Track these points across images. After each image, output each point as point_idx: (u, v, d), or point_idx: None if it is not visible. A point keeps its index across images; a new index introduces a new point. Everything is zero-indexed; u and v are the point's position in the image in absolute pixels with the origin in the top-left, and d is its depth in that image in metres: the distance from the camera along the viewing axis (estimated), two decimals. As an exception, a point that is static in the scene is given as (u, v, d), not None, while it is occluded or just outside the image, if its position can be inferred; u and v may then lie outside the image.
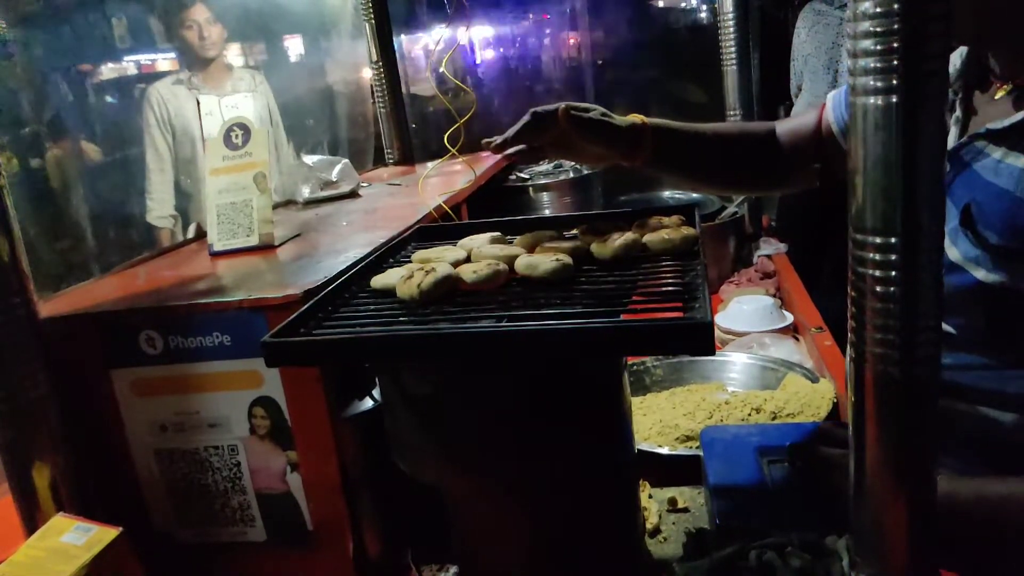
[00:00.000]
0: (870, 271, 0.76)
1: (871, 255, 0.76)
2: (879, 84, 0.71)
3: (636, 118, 1.32)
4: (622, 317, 0.85)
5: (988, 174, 1.00)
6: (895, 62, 0.70)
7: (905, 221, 0.74)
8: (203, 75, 2.96)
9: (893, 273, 0.75)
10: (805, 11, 3.62)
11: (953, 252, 1.05)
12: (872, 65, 0.71)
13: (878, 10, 0.70)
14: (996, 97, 1.06)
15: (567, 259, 0.98)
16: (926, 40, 0.69)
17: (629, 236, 1.04)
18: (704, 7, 4.34)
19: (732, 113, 2.63)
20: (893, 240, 0.74)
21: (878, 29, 0.70)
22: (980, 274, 1.01)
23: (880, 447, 0.81)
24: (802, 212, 3.52)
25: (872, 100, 0.72)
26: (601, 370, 0.93)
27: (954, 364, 1.09)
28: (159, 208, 2.94)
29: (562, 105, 1.23)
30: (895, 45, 0.70)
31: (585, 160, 1.38)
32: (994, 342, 1.05)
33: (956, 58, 1.12)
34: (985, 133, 1.03)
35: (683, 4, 4.54)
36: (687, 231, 1.05)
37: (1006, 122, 1.01)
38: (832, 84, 3.47)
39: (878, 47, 0.71)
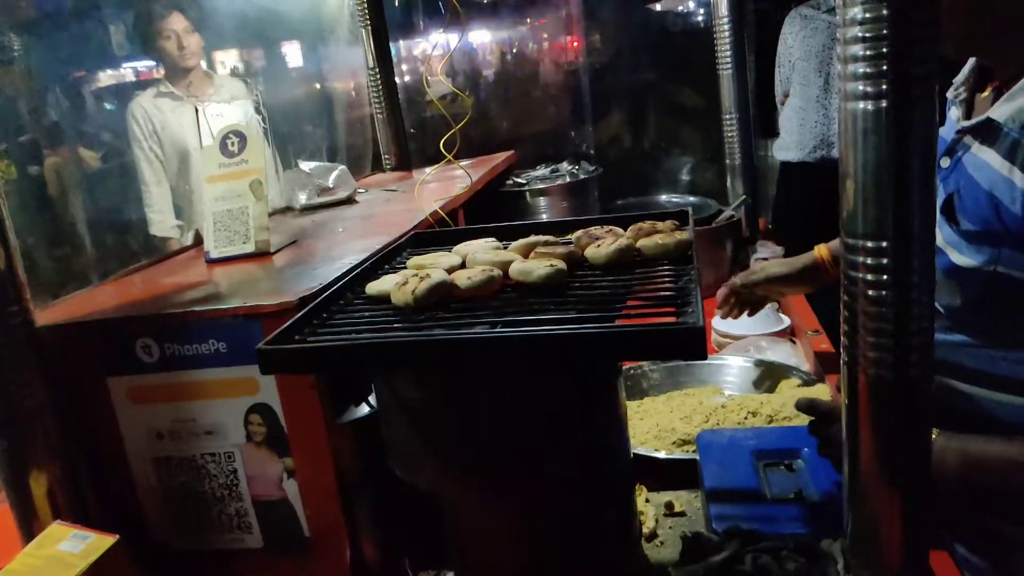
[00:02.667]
0: (862, 275, 0.76)
1: (862, 259, 0.76)
2: (869, 89, 0.72)
3: (818, 252, 1.55)
4: (616, 322, 0.85)
5: (969, 166, 1.06)
6: (884, 67, 0.71)
7: (896, 225, 0.74)
8: (184, 84, 2.95)
9: (885, 277, 0.75)
10: (791, 16, 3.62)
11: (938, 236, 1.10)
12: (861, 71, 0.72)
13: (867, 16, 0.70)
14: (982, 97, 1.13)
15: (561, 264, 0.99)
16: (914, 45, 0.70)
17: (623, 241, 1.05)
18: (701, 11, 4.35)
19: (728, 117, 2.64)
20: (884, 244, 0.75)
21: (867, 35, 0.71)
22: (955, 256, 1.07)
23: (873, 450, 0.81)
24: (799, 215, 3.53)
25: (862, 105, 0.73)
26: (596, 375, 0.93)
27: (945, 343, 1.13)
28: (163, 220, 2.94)
29: (725, 290, 1.66)
30: (884, 51, 0.70)
31: (786, 295, 1.73)
32: (974, 322, 1.09)
33: (971, 59, 1.18)
34: (961, 129, 1.10)
35: (680, 8, 4.55)
36: (681, 235, 1.06)
37: (974, 120, 1.07)
38: (824, 88, 3.48)
39: (867, 53, 0.71)
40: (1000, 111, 1.03)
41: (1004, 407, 1.08)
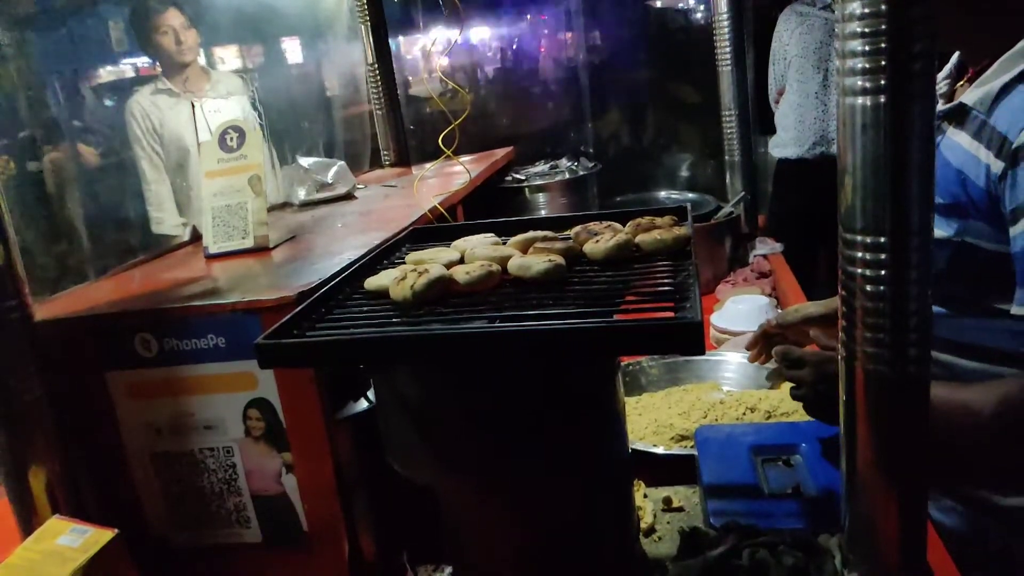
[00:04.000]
0: (859, 270, 0.77)
1: (860, 254, 0.76)
2: (867, 84, 0.72)
3: None
4: (615, 317, 0.85)
5: (943, 148, 1.14)
6: (882, 62, 0.71)
7: (894, 220, 0.74)
8: (181, 80, 2.93)
9: (882, 272, 0.75)
10: (786, 14, 3.61)
11: None
12: (860, 66, 0.72)
13: (865, 11, 0.70)
14: (959, 87, 1.21)
15: (559, 260, 0.99)
16: (913, 40, 0.70)
17: (621, 236, 1.05)
18: (701, 7, 4.34)
19: (727, 113, 2.64)
20: (882, 240, 0.75)
21: (865, 30, 0.71)
22: None
23: (871, 445, 0.82)
24: (797, 212, 3.53)
25: (860, 100, 0.73)
26: (593, 370, 0.93)
27: None
28: (167, 218, 2.92)
29: (760, 330, 1.53)
30: (882, 46, 0.70)
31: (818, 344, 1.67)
32: (943, 292, 1.15)
33: (955, 56, 1.26)
34: (938, 115, 1.17)
35: (679, 5, 4.54)
36: (679, 231, 1.06)
37: (948, 105, 1.16)
38: (823, 84, 3.47)
39: (865, 48, 0.71)
40: (970, 96, 1.11)
41: (972, 372, 1.15)
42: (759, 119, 3.81)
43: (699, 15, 4.38)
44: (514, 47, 4.64)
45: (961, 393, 1.06)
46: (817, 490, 1.12)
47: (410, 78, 3.98)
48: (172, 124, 2.89)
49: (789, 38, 3.56)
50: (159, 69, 3.01)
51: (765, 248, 2.54)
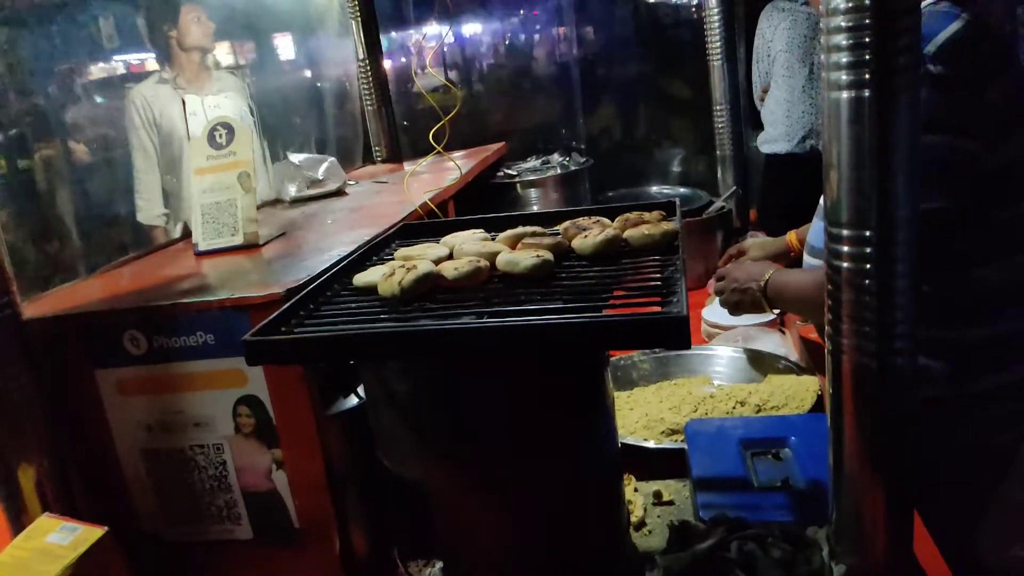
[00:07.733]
0: (845, 264, 0.77)
1: (845, 248, 0.77)
2: (851, 78, 0.72)
3: (790, 237, 1.94)
4: (603, 312, 0.86)
5: None
6: (867, 57, 0.71)
7: (879, 214, 0.74)
8: (185, 75, 2.95)
9: (867, 266, 0.76)
10: (767, 11, 3.61)
11: None
12: (844, 60, 0.72)
13: (849, 5, 0.70)
14: None
15: (547, 255, 0.99)
16: (897, 35, 0.70)
17: (610, 232, 1.05)
18: (692, 3, 4.34)
19: (719, 108, 2.64)
20: (867, 233, 0.75)
21: (850, 24, 0.71)
22: None
23: (857, 438, 0.82)
24: (788, 208, 3.53)
25: (845, 95, 0.73)
26: (582, 365, 0.93)
27: None
28: (150, 208, 2.93)
29: (721, 263, 1.96)
30: (867, 40, 0.71)
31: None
32: None
33: None
34: None
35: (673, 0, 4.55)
36: (667, 226, 1.06)
37: None
38: (809, 78, 3.48)
39: (850, 42, 0.71)
40: None
41: None
42: (750, 114, 3.82)
43: (690, 10, 4.38)
44: (506, 43, 4.64)
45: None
46: (806, 483, 1.13)
47: (401, 74, 3.98)
48: (172, 116, 2.90)
49: (772, 34, 3.56)
50: (159, 63, 3.02)
51: (756, 242, 2.54)
